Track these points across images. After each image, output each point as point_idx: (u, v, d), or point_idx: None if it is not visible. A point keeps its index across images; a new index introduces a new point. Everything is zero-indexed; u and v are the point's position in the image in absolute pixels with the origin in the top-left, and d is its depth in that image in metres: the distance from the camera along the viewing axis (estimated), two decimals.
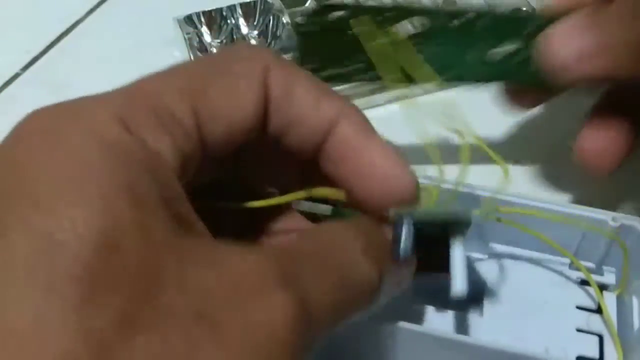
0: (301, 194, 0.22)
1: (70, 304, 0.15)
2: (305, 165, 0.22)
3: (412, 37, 0.31)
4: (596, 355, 0.28)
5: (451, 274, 0.24)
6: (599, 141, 0.31)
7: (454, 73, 0.31)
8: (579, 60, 0.28)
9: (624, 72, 0.28)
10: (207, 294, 0.16)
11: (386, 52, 0.30)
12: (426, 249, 0.24)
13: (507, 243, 0.31)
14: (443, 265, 0.24)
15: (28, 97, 0.40)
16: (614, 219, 0.29)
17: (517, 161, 0.36)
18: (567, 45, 0.28)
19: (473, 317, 0.29)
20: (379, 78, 0.31)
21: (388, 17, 0.31)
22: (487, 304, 0.29)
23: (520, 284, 0.30)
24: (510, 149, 0.37)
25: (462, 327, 0.28)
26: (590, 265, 0.30)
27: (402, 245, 0.22)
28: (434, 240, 0.24)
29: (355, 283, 0.19)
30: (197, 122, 0.19)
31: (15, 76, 0.41)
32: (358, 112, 0.22)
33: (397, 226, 0.23)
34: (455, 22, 0.31)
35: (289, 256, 0.18)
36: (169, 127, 0.18)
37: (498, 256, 0.31)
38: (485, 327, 0.29)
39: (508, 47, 0.31)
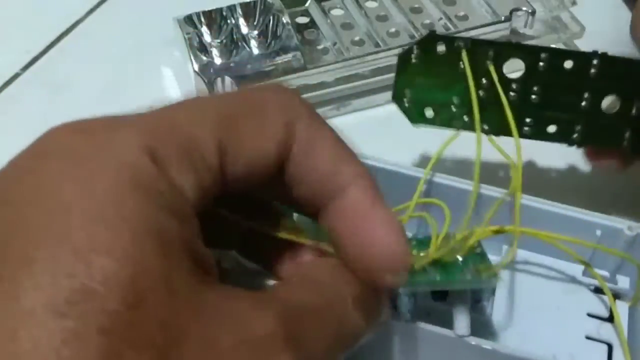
0: (309, 241, 0.23)
1: (96, 356, 0.15)
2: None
3: (518, 80, 0.30)
4: None
5: (454, 315, 0.25)
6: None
7: (570, 123, 0.30)
8: None
9: None
10: (223, 354, 0.17)
11: (486, 94, 0.29)
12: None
13: (522, 247, 0.30)
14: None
15: (28, 97, 0.40)
16: (630, 228, 0.28)
17: (533, 165, 0.36)
18: None
19: (481, 318, 0.29)
20: (469, 125, 0.30)
21: (502, 52, 0.29)
22: (496, 306, 0.29)
23: (532, 288, 0.30)
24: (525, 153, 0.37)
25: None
26: (605, 273, 0.30)
27: (401, 311, 0.25)
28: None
29: (347, 333, 0.20)
30: (221, 159, 0.19)
31: (15, 76, 0.41)
32: (370, 177, 0.22)
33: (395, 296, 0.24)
34: (569, 63, 0.30)
35: (294, 315, 0.19)
36: (195, 162, 0.19)
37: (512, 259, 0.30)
38: (493, 329, 0.29)
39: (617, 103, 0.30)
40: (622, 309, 0.29)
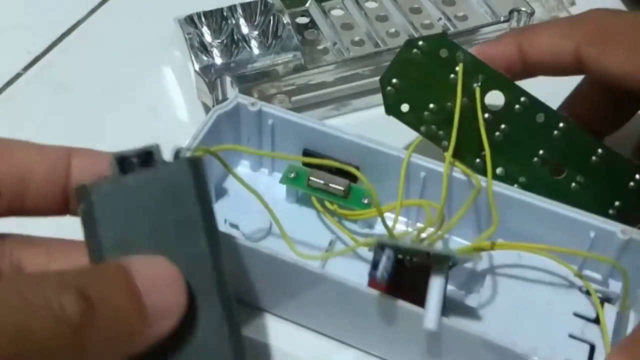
0: None
1: None
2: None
3: (497, 114, 0.31)
4: None
5: (425, 307, 0.25)
6: None
7: (516, 172, 0.31)
8: None
9: None
10: None
11: (467, 116, 0.30)
12: (410, 277, 0.26)
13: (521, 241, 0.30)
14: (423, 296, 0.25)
15: (29, 97, 0.40)
16: (623, 232, 0.29)
17: None
18: None
19: (468, 307, 0.29)
20: (444, 141, 0.31)
21: (491, 80, 0.31)
22: (485, 296, 0.30)
23: (523, 284, 0.30)
24: None
25: (456, 314, 0.29)
26: (597, 276, 0.31)
27: (379, 270, 0.24)
28: (417, 271, 0.26)
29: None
30: None
31: (17, 76, 0.41)
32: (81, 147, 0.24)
33: (377, 252, 0.25)
34: (541, 116, 0.31)
35: None
36: None
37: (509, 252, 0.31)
38: (479, 318, 0.29)
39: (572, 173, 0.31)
40: (610, 312, 0.29)
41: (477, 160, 0.31)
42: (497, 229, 0.28)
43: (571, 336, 0.29)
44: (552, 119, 0.31)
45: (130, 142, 0.37)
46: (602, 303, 0.29)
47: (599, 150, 0.31)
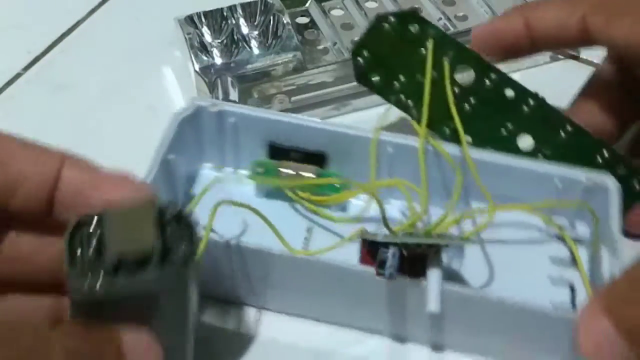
0: None
1: None
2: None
3: (466, 88, 0.32)
4: (568, 302, 0.30)
5: (427, 293, 0.26)
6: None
7: (484, 141, 0.32)
8: (608, 344, 0.24)
9: None
10: None
11: (436, 88, 0.31)
12: (410, 261, 0.27)
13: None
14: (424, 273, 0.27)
15: (29, 97, 0.40)
16: (587, 178, 0.30)
17: None
18: (591, 334, 0.24)
19: (452, 265, 0.30)
20: (413, 110, 0.32)
21: (460, 56, 0.31)
22: (466, 254, 0.31)
23: (498, 238, 0.31)
24: None
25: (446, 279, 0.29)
26: (564, 220, 0.32)
27: (387, 268, 0.26)
28: (417, 255, 0.27)
29: None
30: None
31: (17, 76, 0.41)
32: (77, 156, 0.24)
33: (383, 251, 0.26)
34: (510, 92, 0.31)
35: None
36: None
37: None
38: (464, 279, 0.30)
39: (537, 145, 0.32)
40: (582, 254, 0.31)
41: (447, 130, 0.32)
42: (465, 192, 0.30)
43: (551, 281, 0.30)
44: (521, 95, 0.31)
45: (130, 141, 0.37)
46: (574, 244, 0.31)
47: (568, 127, 0.31)
